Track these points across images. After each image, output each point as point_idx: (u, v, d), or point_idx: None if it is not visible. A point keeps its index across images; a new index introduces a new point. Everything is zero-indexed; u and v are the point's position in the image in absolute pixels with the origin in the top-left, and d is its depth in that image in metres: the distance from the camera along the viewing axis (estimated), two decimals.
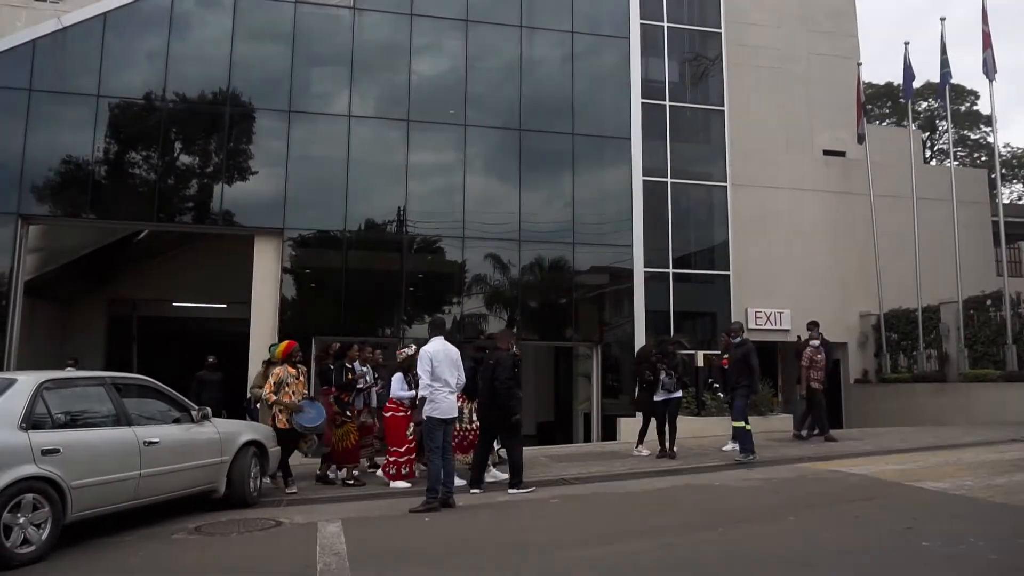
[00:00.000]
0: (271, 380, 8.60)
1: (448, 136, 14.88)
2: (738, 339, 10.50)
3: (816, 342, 12.12)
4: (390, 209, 14.52)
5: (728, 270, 16.74)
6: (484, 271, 14.95)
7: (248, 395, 11.35)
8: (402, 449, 8.78)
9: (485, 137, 15.19)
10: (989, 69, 15.90)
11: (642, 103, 16.27)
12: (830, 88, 19.75)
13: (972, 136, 40.20)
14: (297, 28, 14.52)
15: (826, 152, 20.14)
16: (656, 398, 10.64)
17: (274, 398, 8.50)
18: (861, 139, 18.97)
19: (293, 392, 8.59)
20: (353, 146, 14.40)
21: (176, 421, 7.44)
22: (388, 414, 8.93)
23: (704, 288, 17.12)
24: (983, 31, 15.96)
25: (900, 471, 8.23)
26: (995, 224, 24.28)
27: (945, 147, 40.63)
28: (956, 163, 38.89)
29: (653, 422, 10.87)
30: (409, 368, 8.80)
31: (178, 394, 7.76)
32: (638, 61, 16.01)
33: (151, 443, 6.82)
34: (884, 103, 38.87)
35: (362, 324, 14.14)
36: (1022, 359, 14.88)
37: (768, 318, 18.12)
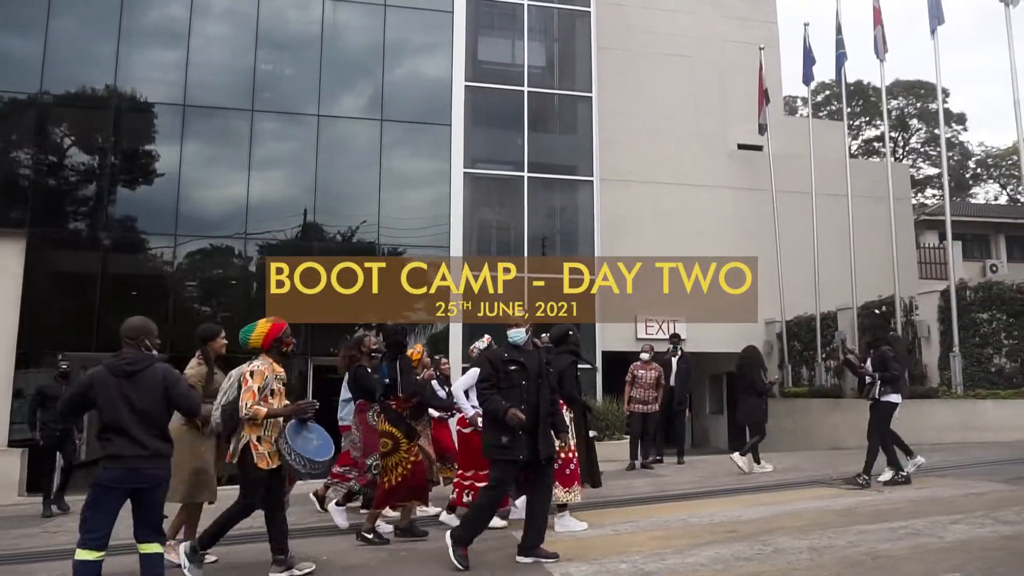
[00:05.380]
0: (253, 385, 4.83)
1: (230, 124, 12.96)
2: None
3: (646, 355, 10.53)
4: (157, 209, 12.61)
5: (593, 274, 14.66)
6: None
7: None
8: (468, 473, 6.69)
9: (275, 124, 13.24)
10: (879, 47, 14.44)
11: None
12: (748, 78, 17.68)
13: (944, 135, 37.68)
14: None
15: (741, 146, 18.28)
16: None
17: (264, 411, 4.83)
18: (763, 130, 17.11)
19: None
20: (121, 132, 12.61)
21: None
22: (468, 429, 6.74)
23: (568, 297, 15.01)
24: (874, 7, 14.54)
25: (600, 538, 5.89)
26: (932, 223, 22.12)
27: (917, 146, 38.41)
28: (925, 161, 36.85)
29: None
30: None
31: None
32: (462, 38, 14.05)
33: None
34: (857, 103, 36.59)
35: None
36: (912, 373, 12.66)
37: (660, 327, 16.01)
